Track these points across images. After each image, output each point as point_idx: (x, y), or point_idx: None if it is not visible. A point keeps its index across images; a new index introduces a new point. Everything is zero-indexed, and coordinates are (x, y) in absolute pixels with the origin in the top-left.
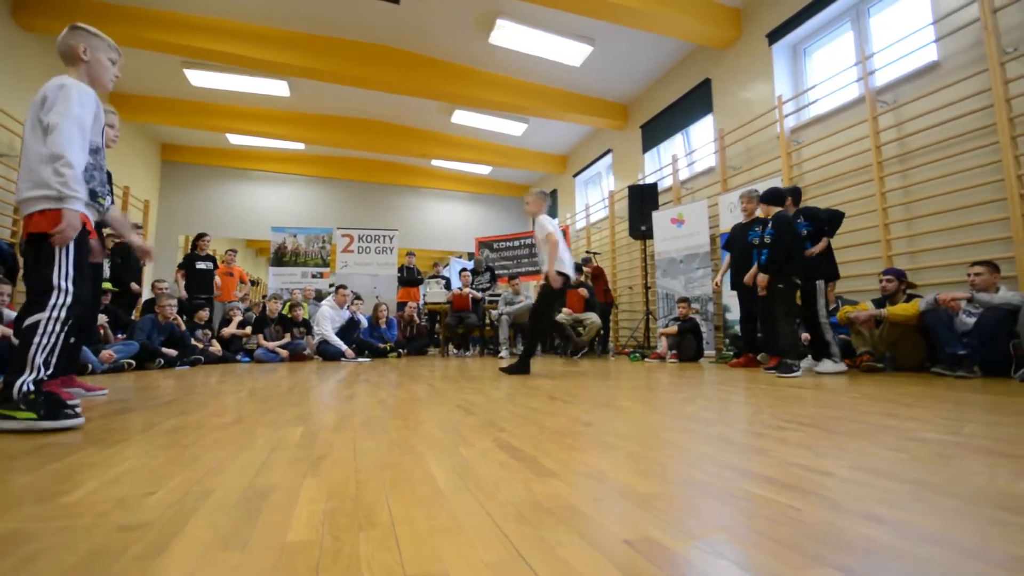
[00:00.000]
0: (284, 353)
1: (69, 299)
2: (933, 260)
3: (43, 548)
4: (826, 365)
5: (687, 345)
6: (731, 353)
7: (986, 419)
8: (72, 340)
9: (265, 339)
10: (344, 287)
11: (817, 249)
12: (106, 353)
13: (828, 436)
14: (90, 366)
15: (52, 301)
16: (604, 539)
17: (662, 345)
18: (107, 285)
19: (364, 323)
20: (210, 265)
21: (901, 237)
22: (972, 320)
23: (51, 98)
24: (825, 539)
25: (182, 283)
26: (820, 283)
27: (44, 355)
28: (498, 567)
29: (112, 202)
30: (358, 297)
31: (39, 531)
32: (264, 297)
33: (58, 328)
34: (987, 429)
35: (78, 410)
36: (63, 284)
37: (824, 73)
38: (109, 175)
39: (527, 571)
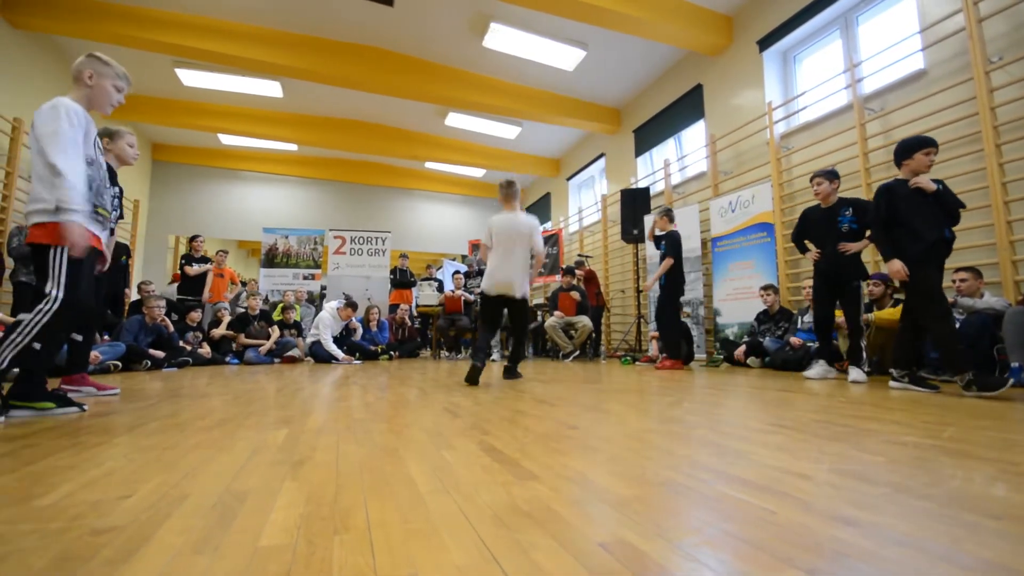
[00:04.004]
0: (270, 348)
1: (57, 305)
2: None
3: (12, 551)
4: (857, 373)
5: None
6: (720, 357)
7: (967, 423)
8: (81, 339)
9: (247, 337)
10: (353, 308)
11: (855, 247)
12: (92, 354)
13: (809, 439)
14: None
15: (40, 306)
16: (578, 542)
17: (653, 348)
18: None
19: (360, 332)
20: (205, 266)
21: None
22: (956, 325)
23: (40, 120)
24: (796, 541)
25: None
26: (861, 284)
27: (14, 351)
28: (470, 570)
29: (120, 216)
30: (350, 304)
31: (9, 534)
32: (244, 285)
33: (36, 331)
34: (967, 433)
35: (85, 407)
36: (54, 292)
37: (813, 80)
38: (121, 191)
39: (499, 574)
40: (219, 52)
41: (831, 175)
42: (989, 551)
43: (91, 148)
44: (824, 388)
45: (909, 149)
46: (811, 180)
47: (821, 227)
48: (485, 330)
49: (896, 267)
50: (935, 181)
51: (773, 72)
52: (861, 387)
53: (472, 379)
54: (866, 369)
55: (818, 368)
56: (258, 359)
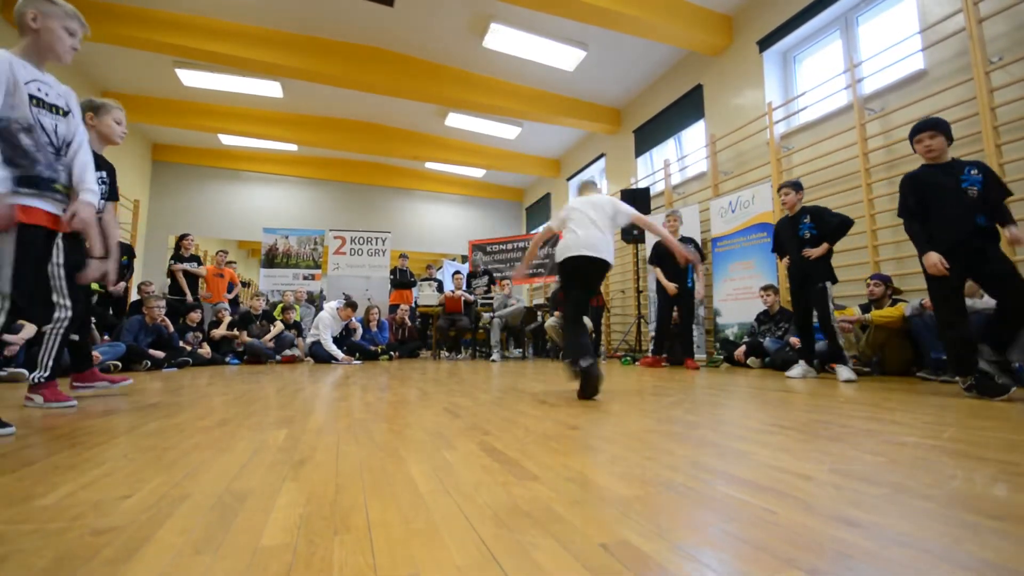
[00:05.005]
0: (271, 343)
1: None
2: (919, 266)
3: (12, 551)
4: (846, 372)
5: (677, 349)
6: (720, 357)
7: (968, 423)
8: (77, 338)
9: (248, 336)
10: (352, 308)
11: (815, 253)
12: (92, 355)
13: (810, 440)
14: None
15: None
16: (579, 542)
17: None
18: (94, 286)
19: (360, 332)
20: (194, 266)
21: (887, 243)
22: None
23: None
24: (798, 542)
25: (183, 279)
26: (828, 285)
27: None
28: (470, 570)
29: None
30: (350, 304)
31: (9, 534)
32: (247, 286)
33: None
34: (968, 433)
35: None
36: None
37: (813, 80)
38: (111, 169)
39: (499, 574)
40: (219, 52)
41: (797, 186)
42: (990, 551)
43: (25, 109)
44: (824, 388)
45: (911, 138)
46: (779, 190)
47: (787, 235)
48: (574, 314)
49: (932, 260)
50: (974, 163)
51: (773, 72)
52: (854, 385)
53: (591, 389)
54: (851, 366)
55: (798, 368)
56: (261, 345)
